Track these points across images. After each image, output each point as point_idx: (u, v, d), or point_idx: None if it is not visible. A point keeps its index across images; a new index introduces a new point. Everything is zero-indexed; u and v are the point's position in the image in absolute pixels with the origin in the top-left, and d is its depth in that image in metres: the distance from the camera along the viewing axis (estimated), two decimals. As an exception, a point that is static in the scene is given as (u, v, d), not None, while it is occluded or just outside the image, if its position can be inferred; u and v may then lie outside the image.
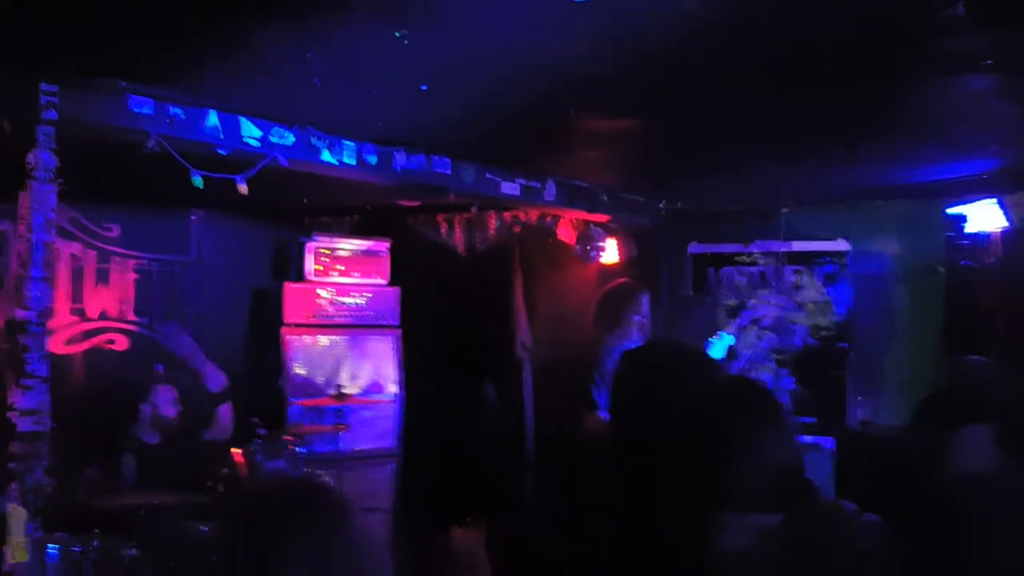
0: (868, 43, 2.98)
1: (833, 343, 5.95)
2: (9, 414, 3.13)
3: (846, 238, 5.95)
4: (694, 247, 6.36)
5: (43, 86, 3.12)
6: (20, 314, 3.14)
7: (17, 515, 3.17)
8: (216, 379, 4.61)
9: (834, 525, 1.56)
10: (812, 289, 6.03)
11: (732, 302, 6.19)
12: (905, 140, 4.32)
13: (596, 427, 4.42)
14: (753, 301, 6.12)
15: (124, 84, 3.39)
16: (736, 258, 6.23)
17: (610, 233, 6.17)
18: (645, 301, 4.73)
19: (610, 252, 6.19)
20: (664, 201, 6.16)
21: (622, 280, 5.01)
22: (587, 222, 6.06)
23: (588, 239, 6.06)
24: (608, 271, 6.20)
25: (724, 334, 4.97)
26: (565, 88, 3.51)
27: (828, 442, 5.60)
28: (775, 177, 5.25)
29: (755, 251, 6.18)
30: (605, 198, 5.79)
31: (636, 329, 4.61)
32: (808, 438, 5.63)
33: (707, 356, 3.78)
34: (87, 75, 3.30)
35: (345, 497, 1.37)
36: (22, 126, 3.16)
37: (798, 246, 6.06)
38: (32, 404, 3.14)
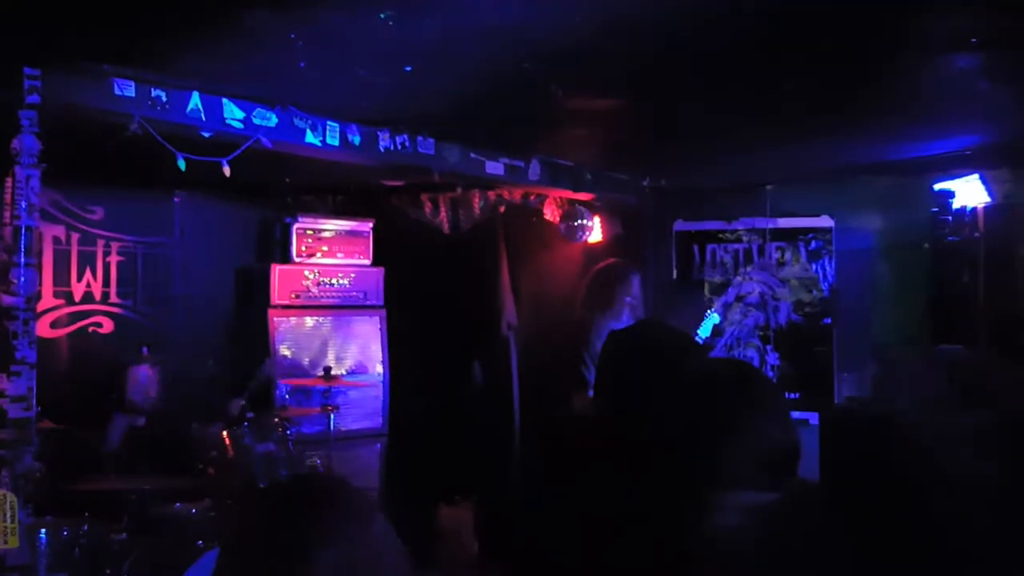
0: (854, 19, 2.99)
1: (818, 319, 6.01)
2: (-2, 400, 3.12)
3: (831, 214, 6.00)
4: (679, 225, 6.38)
5: (26, 70, 3.08)
6: (7, 300, 3.12)
7: (8, 501, 3.16)
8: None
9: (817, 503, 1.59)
10: (797, 266, 6.08)
11: (717, 279, 6.23)
12: (890, 116, 4.35)
13: (586, 407, 4.45)
14: (738, 278, 6.17)
15: (107, 67, 3.35)
16: (721, 235, 6.26)
17: (595, 212, 6.19)
18: (636, 281, 4.75)
19: (595, 231, 6.21)
20: (648, 179, 6.18)
21: (612, 260, 5.03)
22: (572, 201, 6.07)
23: (573, 218, 6.08)
24: (593, 250, 6.23)
25: (710, 312, 5.01)
26: (548, 66, 3.50)
27: (813, 418, 5.67)
28: (759, 154, 5.27)
29: (740, 228, 6.22)
30: (589, 177, 5.79)
31: (627, 310, 4.62)
32: (795, 414, 5.71)
33: (695, 339, 3.81)
34: (69, 58, 3.26)
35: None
36: (5, 110, 3.12)
37: (783, 223, 6.10)
38: (21, 390, 3.13)
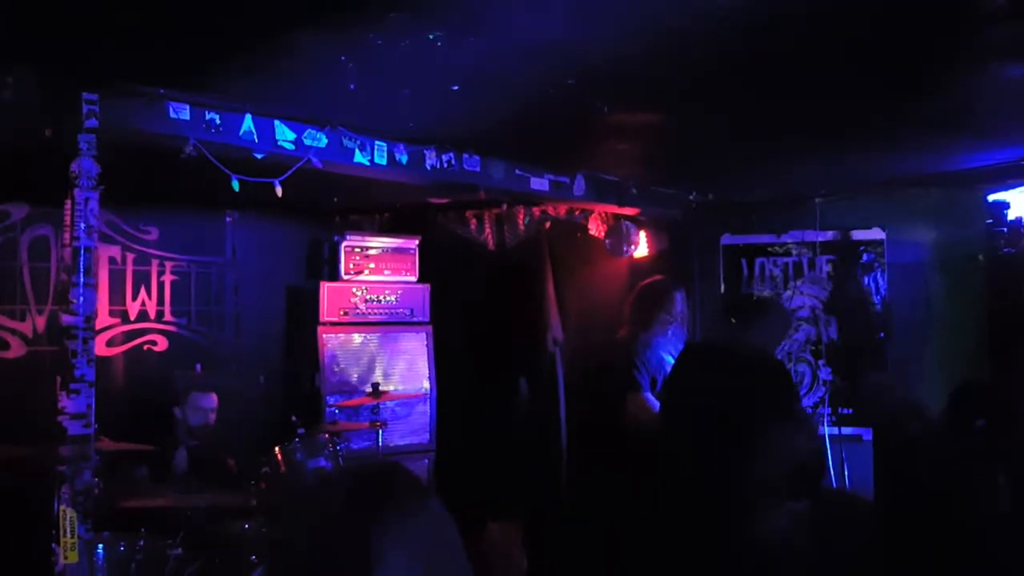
0: (906, 29, 2.94)
1: (872, 334, 5.89)
2: (59, 418, 3.20)
3: (882, 227, 5.88)
4: (726, 238, 6.31)
5: (84, 95, 3.17)
6: (67, 319, 3.21)
7: (68, 516, 3.24)
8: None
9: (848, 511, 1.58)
10: (848, 279, 5.97)
11: (766, 293, 6.15)
12: (942, 126, 4.26)
13: (640, 410, 4.48)
14: (788, 292, 6.07)
15: (162, 91, 3.44)
16: (769, 249, 6.18)
17: (640, 226, 6.16)
18: (679, 298, 4.76)
19: (641, 246, 6.17)
20: (694, 193, 6.13)
21: (656, 277, 5.01)
22: (617, 216, 6.05)
23: (618, 233, 6.05)
24: (639, 265, 6.19)
25: None
26: (593, 82, 3.50)
27: (867, 433, 5.55)
28: (808, 166, 5.20)
29: (789, 241, 6.13)
30: (634, 191, 5.77)
31: (668, 327, 4.64)
32: (847, 429, 5.60)
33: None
34: (126, 83, 3.35)
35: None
36: (64, 134, 3.21)
37: (833, 235, 6.00)
38: (80, 408, 3.20)
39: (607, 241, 6.09)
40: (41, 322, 4.96)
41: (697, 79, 3.51)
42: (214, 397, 4.86)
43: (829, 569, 1.59)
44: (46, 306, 4.96)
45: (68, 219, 3.22)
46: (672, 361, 4.69)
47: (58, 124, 3.19)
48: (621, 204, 5.77)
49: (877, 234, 5.90)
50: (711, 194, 6.14)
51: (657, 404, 4.61)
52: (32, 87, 3.06)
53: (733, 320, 4.83)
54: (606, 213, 6.02)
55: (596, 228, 6.06)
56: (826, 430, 5.58)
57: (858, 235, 5.95)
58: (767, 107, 3.92)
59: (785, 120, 4.14)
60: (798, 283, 6.08)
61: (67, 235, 3.24)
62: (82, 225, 3.21)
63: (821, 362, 5.95)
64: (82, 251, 3.22)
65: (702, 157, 5.06)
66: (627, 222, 6.08)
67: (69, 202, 3.22)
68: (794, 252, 6.12)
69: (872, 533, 1.60)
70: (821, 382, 5.90)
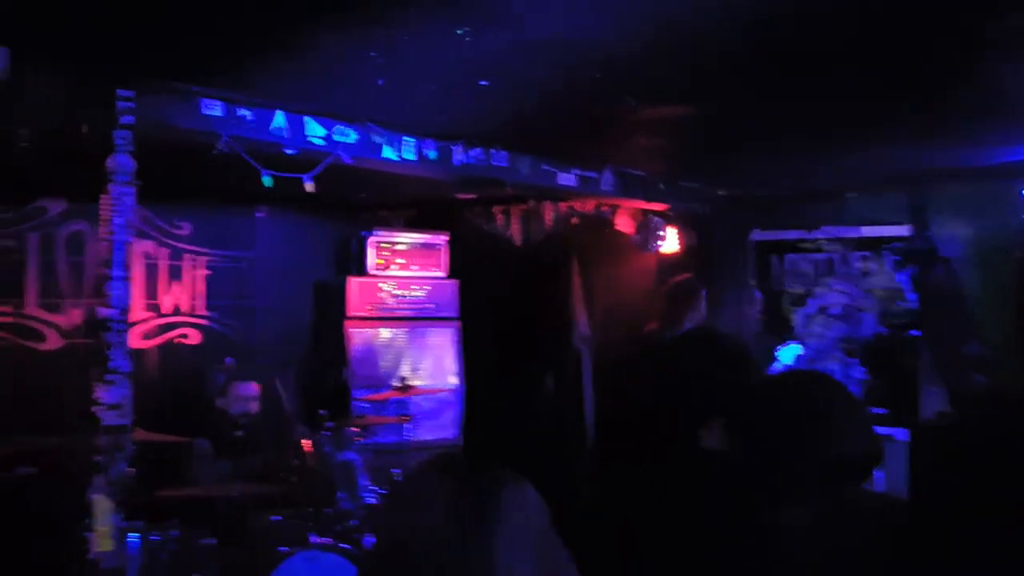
0: (937, 20, 2.91)
1: (904, 331, 5.81)
2: (94, 408, 3.26)
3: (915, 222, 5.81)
4: (756, 234, 6.27)
5: (119, 92, 3.23)
6: (103, 312, 3.27)
7: (102, 505, 3.30)
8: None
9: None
10: (881, 275, 5.89)
11: (798, 290, 6.09)
12: (977, 120, 4.20)
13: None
14: (819, 289, 6.01)
15: (195, 88, 3.49)
16: (800, 245, 6.12)
17: (669, 222, 6.14)
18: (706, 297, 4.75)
19: (669, 241, 6.15)
20: (724, 188, 6.09)
21: (686, 275, 4.98)
22: (645, 211, 6.03)
23: (646, 228, 6.04)
24: (667, 260, 6.17)
25: (793, 343, 4.90)
26: (621, 77, 3.50)
27: (901, 433, 5.49)
28: (840, 160, 5.15)
29: (820, 237, 6.07)
30: (663, 186, 5.75)
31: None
32: (880, 429, 5.53)
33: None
34: (161, 80, 3.40)
35: None
36: (100, 131, 3.27)
37: (866, 231, 5.92)
38: (116, 399, 3.27)
39: (635, 237, 6.07)
40: (77, 315, 5.06)
41: (726, 72, 3.49)
42: (255, 386, 4.92)
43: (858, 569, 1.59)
44: (82, 299, 5.05)
45: (104, 214, 3.28)
46: None
47: (94, 120, 3.25)
48: (649, 199, 5.76)
49: (910, 230, 5.82)
50: (741, 189, 6.10)
51: None
52: (69, 84, 3.12)
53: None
54: (634, 209, 6.01)
55: (624, 224, 6.04)
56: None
57: (891, 231, 5.88)
58: (798, 99, 3.89)
59: (816, 113, 4.10)
60: (830, 280, 6.02)
61: (103, 230, 3.30)
62: (118, 220, 3.28)
63: (854, 361, 5.88)
64: (118, 245, 3.28)
65: (731, 151, 5.03)
66: (655, 217, 6.06)
67: (105, 197, 3.28)
68: (826, 248, 6.06)
69: (905, 533, 1.59)
70: (854, 381, 5.84)
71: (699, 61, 3.32)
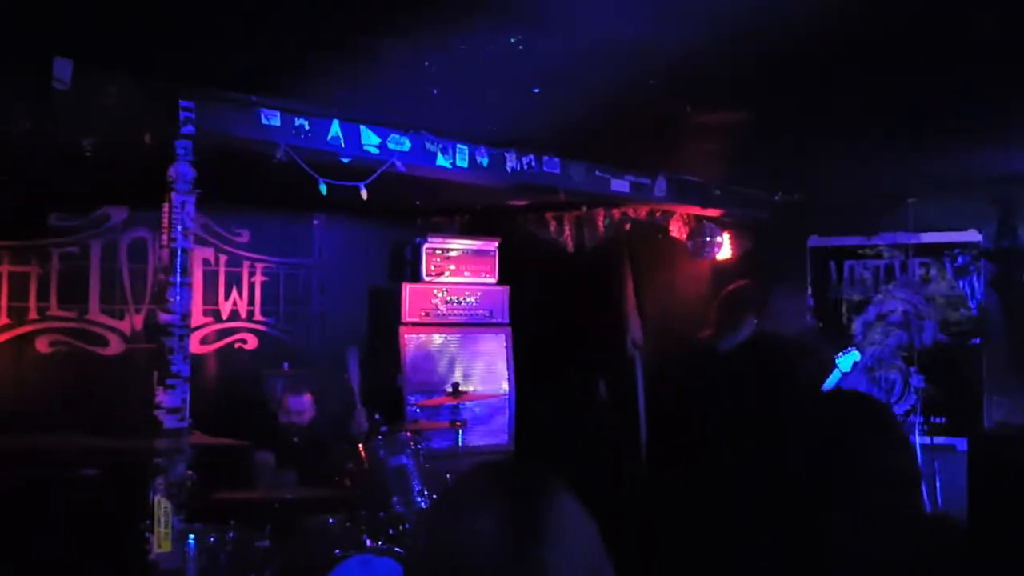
0: (1002, 23, 2.81)
1: (966, 339, 5.64)
2: (155, 412, 3.34)
3: (978, 228, 5.63)
4: (814, 240, 6.15)
5: (181, 102, 3.30)
6: (164, 317, 3.35)
7: (162, 507, 3.37)
8: (361, 422, 4.81)
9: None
10: (942, 282, 5.73)
11: (856, 297, 5.96)
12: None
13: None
14: (879, 296, 5.87)
15: (254, 98, 3.56)
16: (859, 251, 5.99)
17: (724, 228, 6.05)
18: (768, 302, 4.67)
19: (724, 247, 6.07)
20: (780, 193, 5.99)
21: (743, 281, 4.90)
22: (699, 217, 5.96)
23: (700, 234, 5.96)
24: (722, 267, 6.08)
25: (851, 350, 4.79)
26: (676, 81, 3.46)
27: (961, 443, 5.32)
28: (901, 164, 5.02)
29: (880, 243, 5.92)
30: (717, 192, 5.68)
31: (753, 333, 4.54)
32: (940, 439, 5.37)
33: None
34: (221, 90, 3.47)
35: None
36: (162, 140, 3.35)
37: (927, 237, 5.77)
38: (176, 402, 3.34)
39: (689, 243, 6.00)
40: (139, 320, 5.19)
41: (783, 74, 3.43)
42: (307, 399, 4.97)
43: None
44: (143, 305, 5.18)
45: (165, 221, 3.36)
46: None
47: (157, 130, 3.33)
48: (704, 205, 5.69)
49: (973, 236, 5.65)
50: (797, 194, 5.99)
51: None
52: (132, 94, 3.20)
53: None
54: (688, 214, 5.94)
55: (677, 230, 5.98)
56: (917, 439, 5.37)
57: (953, 237, 5.72)
58: (857, 103, 3.80)
59: (876, 116, 4.01)
60: (890, 287, 5.88)
61: (164, 237, 3.38)
62: (179, 227, 3.35)
63: (913, 369, 5.73)
64: (179, 252, 3.36)
65: (788, 156, 4.94)
66: (710, 223, 5.98)
67: (166, 205, 3.36)
68: (885, 255, 5.92)
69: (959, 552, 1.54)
70: (913, 389, 5.68)
71: (756, 62, 3.26)
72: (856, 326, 5.88)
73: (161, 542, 3.41)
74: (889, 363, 5.75)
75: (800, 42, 3.03)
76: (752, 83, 3.53)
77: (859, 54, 3.17)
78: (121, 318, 5.16)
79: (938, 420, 5.57)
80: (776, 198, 6.03)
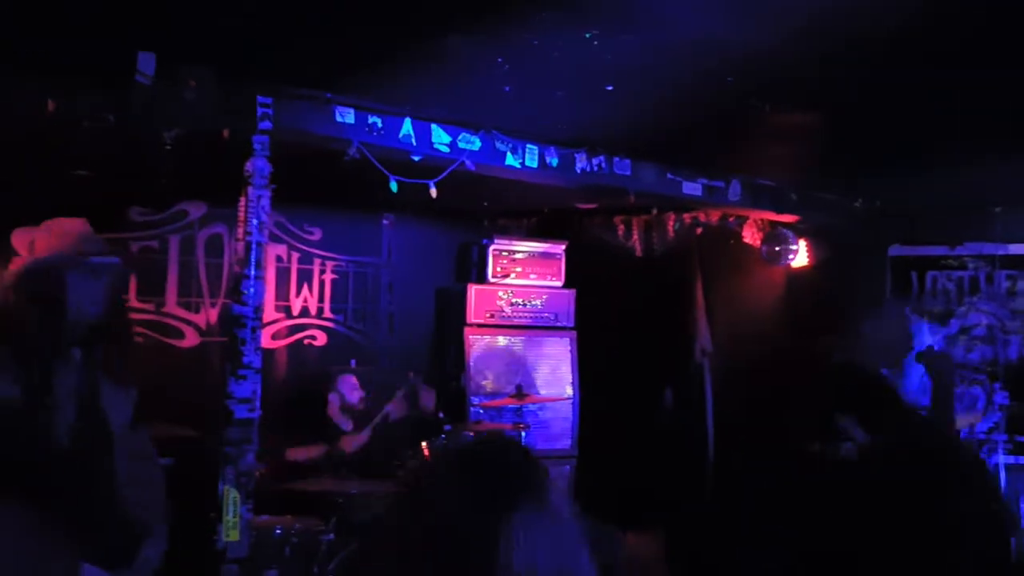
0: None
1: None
2: (227, 402, 3.39)
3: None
4: (895, 249, 5.93)
5: (259, 98, 3.36)
6: (238, 309, 3.40)
7: (231, 496, 3.42)
8: (428, 398, 4.85)
9: None
10: (1031, 296, 5.48)
11: (938, 309, 5.73)
12: None
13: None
14: (962, 308, 5.64)
15: (329, 95, 3.60)
16: (943, 261, 5.76)
17: (800, 234, 5.89)
18: (925, 328, 4.45)
19: (800, 255, 5.90)
20: (860, 199, 5.80)
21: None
22: (774, 223, 5.82)
23: (775, 241, 5.82)
24: (797, 275, 5.93)
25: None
26: (754, 80, 3.38)
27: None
28: (987, 171, 4.81)
29: (964, 254, 5.69)
30: (794, 197, 5.53)
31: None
32: (1022, 458, 5.13)
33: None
34: (297, 87, 3.53)
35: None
36: (239, 136, 3.42)
37: (1014, 248, 5.52)
38: (247, 393, 3.39)
39: (763, 249, 5.86)
40: (214, 314, 5.30)
41: (867, 74, 3.31)
42: (354, 380, 5.03)
43: None
44: (218, 299, 5.30)
45: (242, 215, 3.42)
46: None
47: (235, 125, 3.40)
48: (779, 211, 5.55)
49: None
50: (878, 201, 5.79)
51: None
52: (213, 89, 3.27)
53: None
54: (762, 220, 5.80)
55: (751, 235, 5.85)
56: (1001, 458, 5.13)
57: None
58: (942, 104, 3.65)
59: (962, 120, 3.84)
60: (974, 299, 5.64)
61: (240, 230, 3.44)
62: (254, 221, 3.41)
63: (997, 385, 5.48)
64: (254, 245, 3.42)
65: (869, 160, 4.78)
66: (785, 230, 5.83)
67: (243, 199, 3.42)
68: (970, 266, 5.70)
69: None
70: (996, 407, 5.43)
71: (838, 60, 3.16)
72: (937, 340, 5.65)
73: (229, 531, 3.46)
74: (972, 379, 5.52)
75: (885, 40, 2.93)
76: (834, 81, 3.42)
77: (947, 54, 3.05)
78: (197, 312, 5.28)
79: (1023, 439, 5.33)
80: (856, 204, 5.84)
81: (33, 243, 2.40)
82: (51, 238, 2.34)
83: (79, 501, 1.98)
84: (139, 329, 5.08)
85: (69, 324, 2.21)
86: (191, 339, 5.26)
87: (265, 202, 3.41)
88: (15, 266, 2.25)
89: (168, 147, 3.28)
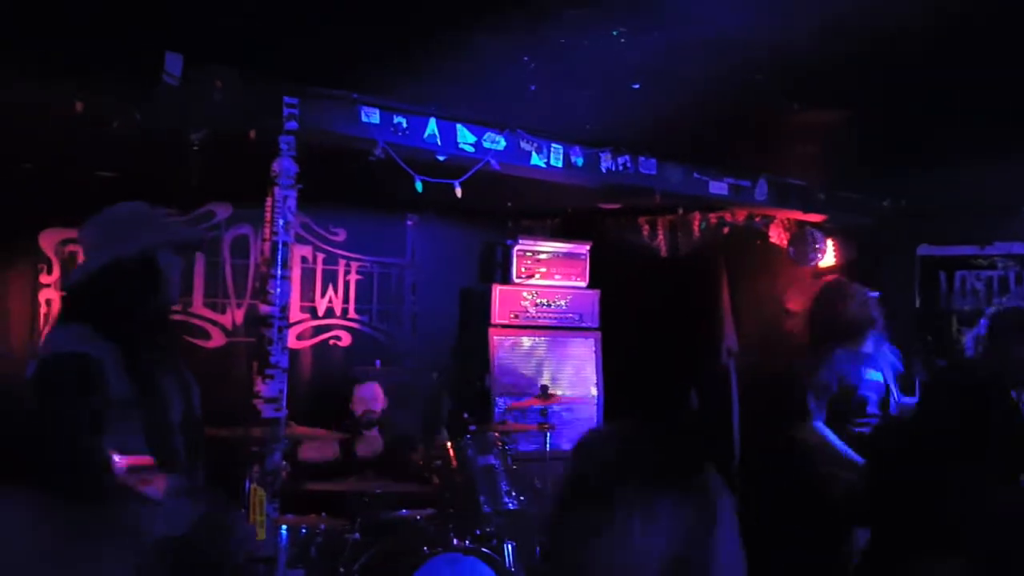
0: None
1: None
2: (253, 401, 3.41)
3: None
4: (923, 249, 5.85)
5: (285, 99, 3.37)
6: (264, 309, 3.42)
7: (258, 495, 3.43)
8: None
9: None
10: (1063, 296, 5.38)
11: (967, 310, 5.65)
12: None
13: (811, 437, 4.22)
14: (991, 309, 5.54)
15: (355, 95, 3.61)
16: (972, 261, 5.68)
17: (827, 234, 5.82)
18: (873, 302, 4.44)
19: (827, 254, 5.83)
20: (888, 199, 5.73)
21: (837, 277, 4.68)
22: (801, 223, 5.75)
23: (803, 241, 5.75)
24: (825, 275, 5.86)
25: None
26: (782, 78, 3.34)
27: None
28: (1017, 170, 4.73)
29: (994, 254, 5.60)
30: (821, 196, 5.47)
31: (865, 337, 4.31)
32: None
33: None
34: (323, 87, 3.53)
35: None
36: (266, 136, 3.43)
37: (1048, 248, 5.44)
38: (274, 392, 3.40)
39: (790, 249, 5.80)
40: (240, 315, 5.33)
41: (894, 71, 3.27)
42: (376, 387, 5.04)
43: None
44: (244, 300, 5.33)
45: (268, 215, 3.43)
46: (878, 378, 4.34)
47: (262, 125, 3.41)
48: (806, 210, 5.49)
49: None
50: (906, 200, 5.72)
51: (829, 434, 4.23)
52: (240, 89, 3.29)
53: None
54: (789, 219, 5.74)
55: (778, 235, 5.79)
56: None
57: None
58: (973, 102, 3.59)
59: (993, 118, 3.78)
60: (1004, 299, 5.55)
61: (267, 230, 3.45)
62: (280, 221, 3.42)
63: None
64: (280, 245, 3.43)
65: (897, 159, 4.72)
66: (812, 229, 5.77)
67: (269, 199, 3.43)
68: (1000, 266, 5.60)
69: None
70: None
71: (867, 57, 3.12)
72: (967, 339, 5.55)
73: (257, 530, 3.46)
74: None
75: (913, 37, 2.89)
76: (862, 79, 3.38)
77: (976, 51, 3.00)
78: (223, 312, 5.32)
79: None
80: (884, 204, 5.77)
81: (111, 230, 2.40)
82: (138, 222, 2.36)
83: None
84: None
85: (163, 309, 2.24)
86: (217, 339, 5.30)
87: (291, 202, 3.42)
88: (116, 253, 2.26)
89: (195, 148, 3.30)
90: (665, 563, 1.03)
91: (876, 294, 4.44)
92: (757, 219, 5.70)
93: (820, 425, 4.25)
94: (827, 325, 4.40)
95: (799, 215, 5.60)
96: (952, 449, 2.84)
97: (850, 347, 4.29)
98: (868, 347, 4.30)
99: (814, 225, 5.76)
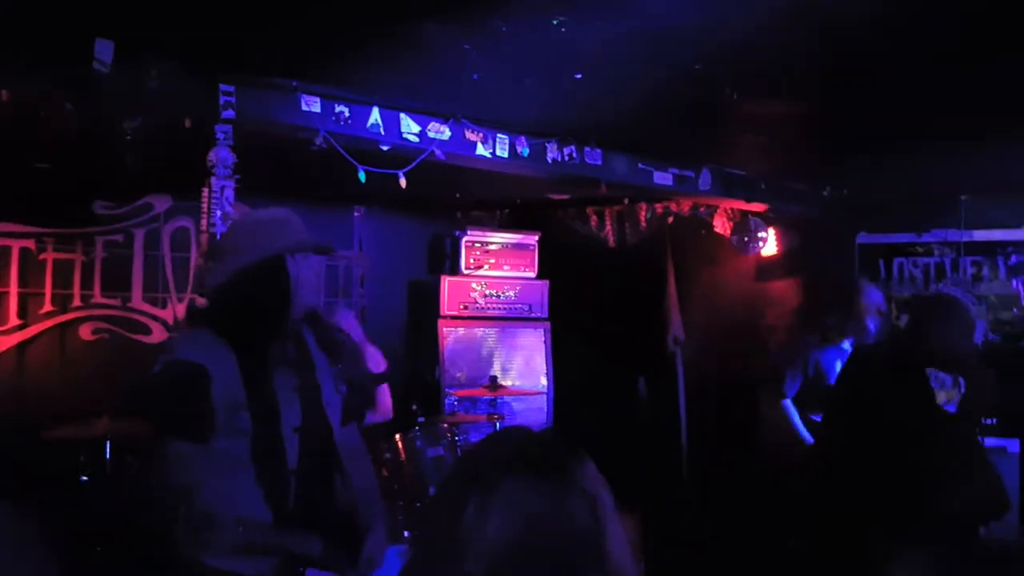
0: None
1: (1018, 339, 5.46)
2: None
3: (1034, 227, 5.45)
4: (863, 237, 5.99)
5: (222, 86, 3.30)
6: (202, 303, 3.34)
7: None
8: (377, 361, 4.74)
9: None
10: (995, 281, 5.56)
11: (906, 295, 5.80)
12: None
13: (776, 414, 4.46)
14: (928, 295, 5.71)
15: (295, 83, 3.54)
16: (909, 249, 5.83)
17: (769, 223, 5.92)
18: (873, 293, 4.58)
19: (769, 243, 5.94)
20: (829, 188, 5.84)
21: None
22: (744, 212, 5.84)
23: (745, 230, 5.84)
24: (767, 263, 5.96)
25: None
26: (722, 68, 3.38)
27: (1013, 444, 5.15)
28: (953, 160, 4.86)
29: (931, 241, 5.76)
30: (763, 186, 5.56)
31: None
32: (991, 441, 5.20)
33: None
34: (261, 75, 3.46)
35: None
36: (202, 125, 3.35)
37: (979, 235, 5.60)
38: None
39: (733, 238, 5.89)
40: (180, 309, 5.22)
41: (834, 64, 3.32)
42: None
43: None
44: (185, 294, 5.22)
45: (205, 206, 3.36)
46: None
47: (197, 114, 3.33)
48: (749, 200, 5.57)
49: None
50: (846, 190, 5.84)
51: (794, 414, 4.49)
52: (174, 77, 3.20)
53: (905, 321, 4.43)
54: (732, 209, 5.82)
55: (722, 225, 5.87)
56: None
57: (1006, 235, 5.54)
58: (909, 96, 3.68)
59: (928, 108, 3.87)
60: (940, 285, 5.71)
61: (204, 222, 3.38)
62: (218, 212, 3.35)
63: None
64: (218, 237, 3.35)
65: (837, 150, 4.81)
66: (755, 218, 5.86)
67: (206, 190, 3.36)
68: (936, 253, 5.77)
69: None
70: (961, 391, 5.50)
71: (807, 49, 3.16)
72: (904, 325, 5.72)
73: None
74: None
75: (855, 29, 2.94)
76: (803, 71, 3.43)
77: (917, 46, 3.06)
78: (163, 307, 5.20)
79: (989, 421, 5.40)
80: (825, 193, 5.88)
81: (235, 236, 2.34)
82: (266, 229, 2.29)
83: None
84: (104, 325, 4.99)
85: (292, 316, 2.19)
86: (158, 335, 5.18)
87: (229, 193, 3.35)
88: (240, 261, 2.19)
89: (129, 138, 3.21)
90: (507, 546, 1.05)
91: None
92: (702, 209, 5.77)
93: (788, 404, 4.49)
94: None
95: (742, 204, 5.68)
96: (865, 414, 2.98)
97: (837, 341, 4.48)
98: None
99: (756, 214, 5.85)
